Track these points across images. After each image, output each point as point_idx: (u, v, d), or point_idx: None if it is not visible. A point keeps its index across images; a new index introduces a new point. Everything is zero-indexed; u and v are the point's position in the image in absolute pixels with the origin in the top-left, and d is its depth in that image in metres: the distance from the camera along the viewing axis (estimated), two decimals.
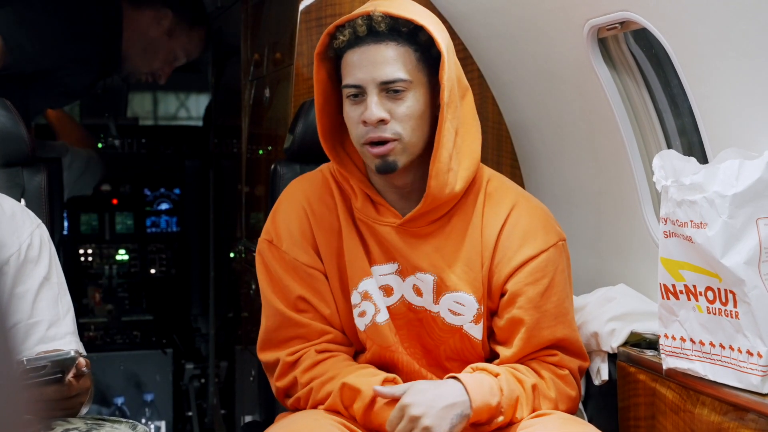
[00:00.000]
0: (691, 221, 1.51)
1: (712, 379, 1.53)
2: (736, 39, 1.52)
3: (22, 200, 1.91)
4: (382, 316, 1.69)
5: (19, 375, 0.59)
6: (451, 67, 1.61)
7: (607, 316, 1.86)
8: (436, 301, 1.69)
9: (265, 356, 1.74)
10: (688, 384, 1.60)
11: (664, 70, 1.95)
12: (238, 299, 3.14)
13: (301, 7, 2.45)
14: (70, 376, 1.46)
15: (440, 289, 1.68)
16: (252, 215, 3.02)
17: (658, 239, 1.71)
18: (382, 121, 1.59)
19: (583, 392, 1.91)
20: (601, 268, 2.19)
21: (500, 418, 1.61)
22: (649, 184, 1.94)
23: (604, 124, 2.02)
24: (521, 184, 2.53)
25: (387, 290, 1.71)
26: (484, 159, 2.52)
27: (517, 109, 2.42)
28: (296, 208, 1.73)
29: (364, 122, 1.60)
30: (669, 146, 1.96)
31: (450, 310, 1.69)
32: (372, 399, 1.61)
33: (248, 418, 2.62)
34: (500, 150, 2.54)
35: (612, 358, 1.86)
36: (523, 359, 1.70)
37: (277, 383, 1.71)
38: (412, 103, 1.61)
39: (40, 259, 1.67)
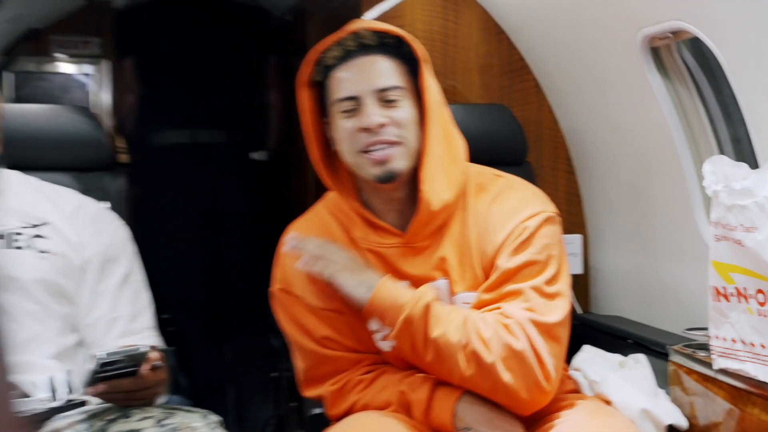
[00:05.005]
0: (742, 225, 1.51)
1: (762, 380, 1.54)
2: None
3: (107, 203, 2.01)
4: None
5: (9, 379, 0.61)
6: (430, 74, 1.65)
7: (641, 390, 1.80)
8: (450, 303, 1.66)
9: (310, 393, 1.75)
10: (738, 384, 1.61)
11: (717, 78, 1.95)
12: None
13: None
14: (144, 369, 1.54)
15: (452, 292, 1.66)
16: None
17: (709, 243, 1.74)
18: (382, 126, 1.60)
19: None
20: (652, 271, 2.20)
21: (402, 315, 1.56)
22: (701, 189, 1.94)
23: (657, 130, 2.03)
24: (576, 189, 2.57)
25: None
26: (541, 164, 2.58)
27: (572, 116, 2.45)
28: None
29: (364, 129, 1.59)
30: (721, 153, 1.97)
31: None
32: (428, 403, 1.61)
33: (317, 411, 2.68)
34: (556, 155, 2.58)
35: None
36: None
37: (331, 412, 1.72)
38: (407, 109, 1.63)
39: (121, 258, 1.78)
